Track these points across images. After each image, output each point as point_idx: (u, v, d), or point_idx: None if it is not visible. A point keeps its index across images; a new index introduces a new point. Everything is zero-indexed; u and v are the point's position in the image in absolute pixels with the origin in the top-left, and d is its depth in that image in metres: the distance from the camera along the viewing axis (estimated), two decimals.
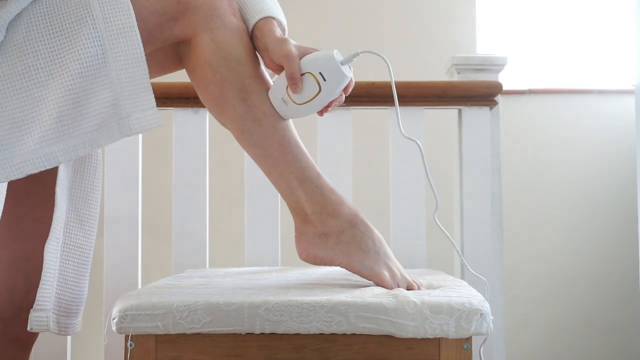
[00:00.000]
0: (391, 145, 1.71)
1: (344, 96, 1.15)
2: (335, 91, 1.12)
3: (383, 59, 1.14)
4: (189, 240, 1.67)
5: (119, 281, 1.64)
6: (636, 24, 2.02)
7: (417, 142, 1.22)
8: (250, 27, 1.15)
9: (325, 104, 1.13)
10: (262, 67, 1.16)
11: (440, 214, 1.26)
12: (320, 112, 1.16)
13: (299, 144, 1.15)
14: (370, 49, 1.17)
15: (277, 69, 1.14)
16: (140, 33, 1.07)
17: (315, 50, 1.13)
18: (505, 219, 2.59)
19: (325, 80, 1.10)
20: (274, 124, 1.13)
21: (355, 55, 1.12)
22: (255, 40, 1.15)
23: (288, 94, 1.12)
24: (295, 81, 1.10)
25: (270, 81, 1.16)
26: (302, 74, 1.11)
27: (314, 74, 1.10)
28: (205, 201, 1.68)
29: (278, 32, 1.14)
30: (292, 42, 1.13)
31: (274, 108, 1.14)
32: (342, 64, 1.11)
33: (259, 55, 1.16)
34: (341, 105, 1.71)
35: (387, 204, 1.73)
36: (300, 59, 1.11)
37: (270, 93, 1.14)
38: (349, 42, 2.80)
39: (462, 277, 1.72)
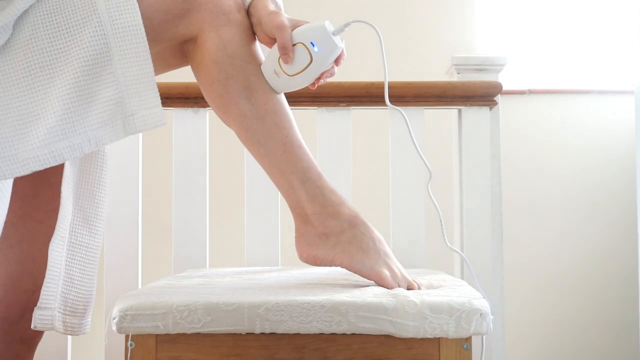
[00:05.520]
0: (391, 145, 1.71)
1: (335, 68, 1.16)
2: (327, 61, 1.12)
3: (374, 27, 1.16)
4: (189, 240, 1.67)
5: (119, 281, 1.64)
6: (637, 25, 2.02)
7: (402, 113, 1.23)
8: (246, 7, 1.16)
9: (317, 75, 1.14)
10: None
11: (440, 213, 1.26)
12: (312, 85, 1.16)
13: (302, 144, 1.15)
14: (361, 19, 1.17)
15: (270, 42, 1.14)
16: (146, 31, 1.07)
17: (308, 22, 1.14)
18: (505, 218, 2.59)
19: (316, 50, 1.11)
20: (277, 122, 1.13)
21: (347, 25, 1.12)
22: (250, 17, 1.15)
23: (280, 66, 1.12)
24: (286, 51, 1.11)
25: None
26: (293, 45, 1.11)
27: (305, 44, 1.11)
28: (205, 201, 1.68)
29: (271, 6, 1.15)
30: (285, 15, 1.13)
31: (278, 106, 1.14)
32: (333, 34, 1.11)
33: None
34: (341, 105, 1.72)
35: (387, 203, 1.73)
36: (293, 30, 1.12)
37: (262, 66, 1.14)
38: (349, 41, 2.80)
39: (462, 277, 1.72)
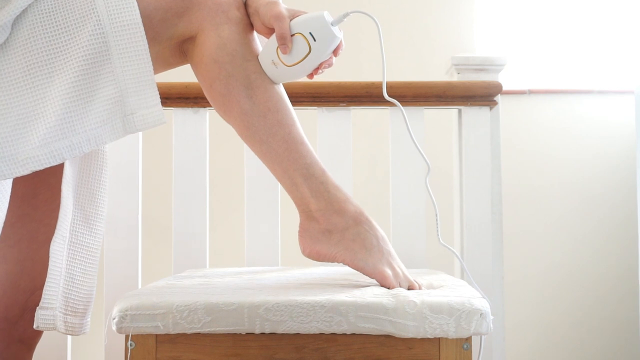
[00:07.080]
0: (391, 144, 1.71)
1: (333, 58, 1.15)
2: (325, 52, 1.12)
3: (372, 18, 1.16)
4: (189, 240, 1.67)
5: (119, 281, 1.64)
6: (637, 25, 2.02)
7: (399, 105, 1.23)
8: None
9: (315, 65, 1.14)
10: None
11: (440, 213, 1.26)
12: (310, 75, 1.16)
13: (304, 140, 1.15)
14: (360, 9, 1.18)
15: (268, 32, 1.14)
16: (145, 30, 1.07)
17: (306, 12, 1.14)
18: (505, 218, 2.59)
19: (315, 40, 1.11)
20: (279, 119, 1.13)
21: (345, 15, 1.13)
22: (247, 7, 1.15)
23: (278, 56, 1.12)
24: (285, 41, 1.11)
25: None
26: (292, 35, 1.11)
27: (304, 34, 1.11)
28: (205, 201, 1.68)
29: None
30: (283, 5, 1.13)
31: (280, 104, 1.14)
32: (332, 24, 1.11)
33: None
34: (341, 105, 1.71)
35: (387, 204, 1.73)
36: (291, 20, 1.12)
37: (260, 56, 1.14)
38: (349, 42, 2.79)
39: (462, 277, 1.72)
